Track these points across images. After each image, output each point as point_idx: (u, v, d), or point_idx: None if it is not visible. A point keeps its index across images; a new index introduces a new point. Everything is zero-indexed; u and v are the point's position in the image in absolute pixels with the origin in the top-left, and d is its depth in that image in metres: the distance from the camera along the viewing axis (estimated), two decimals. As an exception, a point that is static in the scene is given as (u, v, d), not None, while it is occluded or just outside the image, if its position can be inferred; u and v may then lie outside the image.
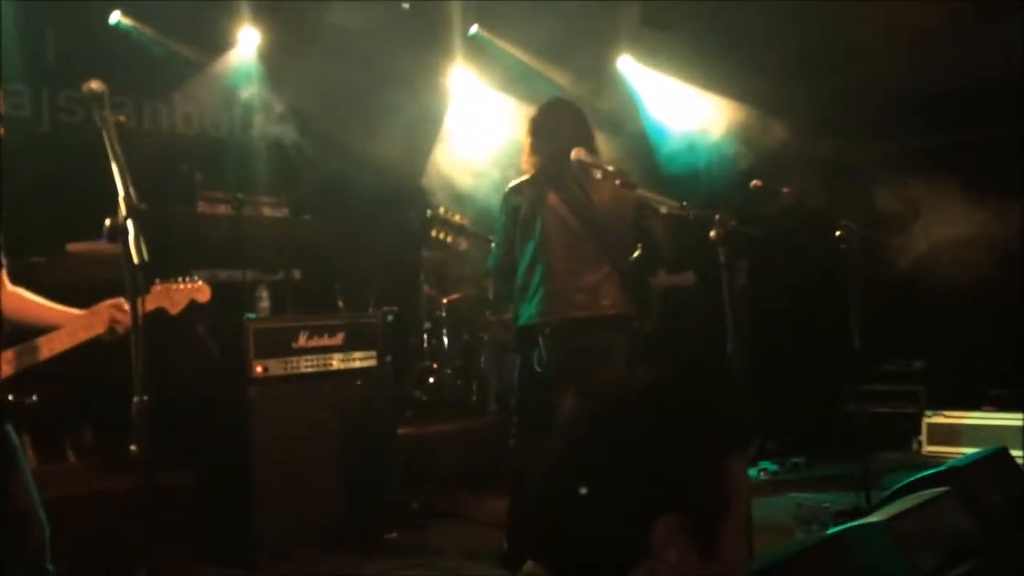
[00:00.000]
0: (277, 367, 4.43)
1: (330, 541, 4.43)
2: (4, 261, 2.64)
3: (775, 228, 4.26)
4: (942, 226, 4.97)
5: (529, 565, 1.22)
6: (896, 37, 5.44)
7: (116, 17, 5.55)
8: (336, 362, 4.67)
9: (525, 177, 3.90)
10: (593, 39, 6.71)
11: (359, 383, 4.73)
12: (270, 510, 4.28)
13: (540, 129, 3.88)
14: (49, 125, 5.56)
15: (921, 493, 2.64)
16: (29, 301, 2.66)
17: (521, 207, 3.81)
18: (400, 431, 5.17)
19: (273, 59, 6.18)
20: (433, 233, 4.17)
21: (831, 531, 2.45)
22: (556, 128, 3.83)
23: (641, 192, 3.64)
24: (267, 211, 5.45)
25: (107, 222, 2.14)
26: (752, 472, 5.68)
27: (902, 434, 6.14)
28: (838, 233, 3.80)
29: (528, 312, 3.80)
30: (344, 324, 4.73)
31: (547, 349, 3.72)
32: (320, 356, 4.60)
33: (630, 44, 6.89)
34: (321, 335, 4.61)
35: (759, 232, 3.19)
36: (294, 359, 4.50)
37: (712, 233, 3.17)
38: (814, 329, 5.84)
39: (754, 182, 3.82)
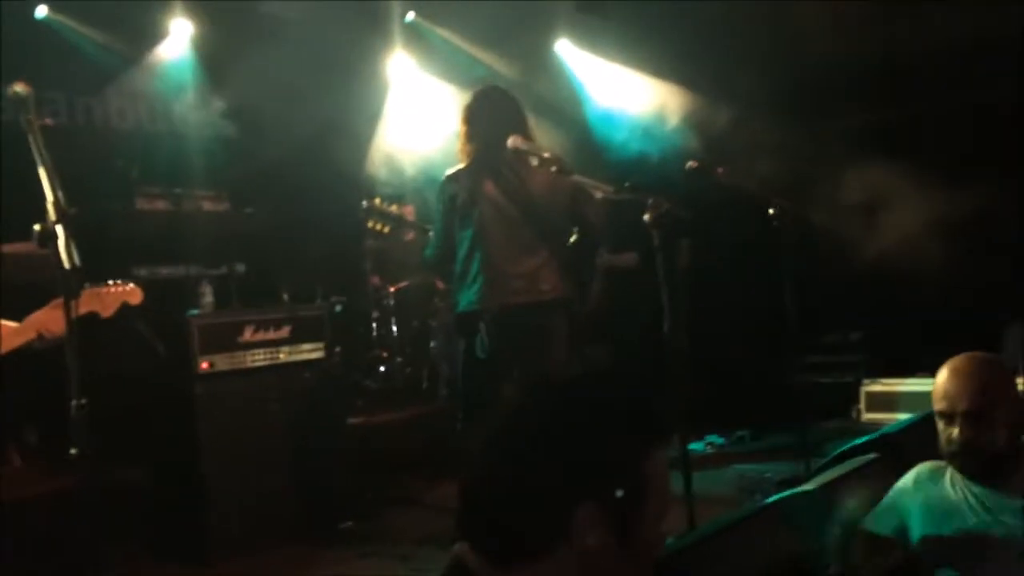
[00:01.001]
0: (223, 362, 4.41)
1: (285, 533, 4.44)
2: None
3: (712, 209, 4.35)
4: (881, 201, 5.12)
5: (458, 546, 1.26)
6: (837, 16, 5.56)
7: (43, 12, 5.42)
8: (284, 355, 4.66)
9: (461, 166, 3.92)
10: (530, 24, 6.73)
11: (307, 375, 4.73)
12: (222, 505, 4.28)
13: (474, 117, 3.89)
14: (-23, 124, 5.41)
15: (854, 460, 2.75)
16: None
17: (458, 195, 3.84)
18: (351, 420, 5.19)
19: (207, 50, 6.09)
20: (370, 224, 4.17)
21: (768, 500, 2.54)
22: (490, 116, 3.84)
23: (577, 178, 3.69)
24: (207, 205, 5.40)
25: (36, 227, 2.11)
26: (699, 446, 5.82)
27: (842, 403, 6.32)
28: (771, 211, 3.89)
29: (467, 299, 3.84)
30: (290, 317, 4.72)
31: (488, 335, 3.77)
32: (267, 349, 4.59)
33: (568, 29, 6.93)
34: (267, 328, 4.60)
35: (690, 214, 3.26)
36: (240, 353, 4.48)
37: (646, 216, 3.23)
38: (754, 305, 5.97)
39: (689, 163, 3.88)
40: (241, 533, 4.31)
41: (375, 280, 6.38)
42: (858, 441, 2.87)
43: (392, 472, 5.38)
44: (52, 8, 5.45)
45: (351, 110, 6.57)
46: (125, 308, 3.00)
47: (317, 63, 6.38)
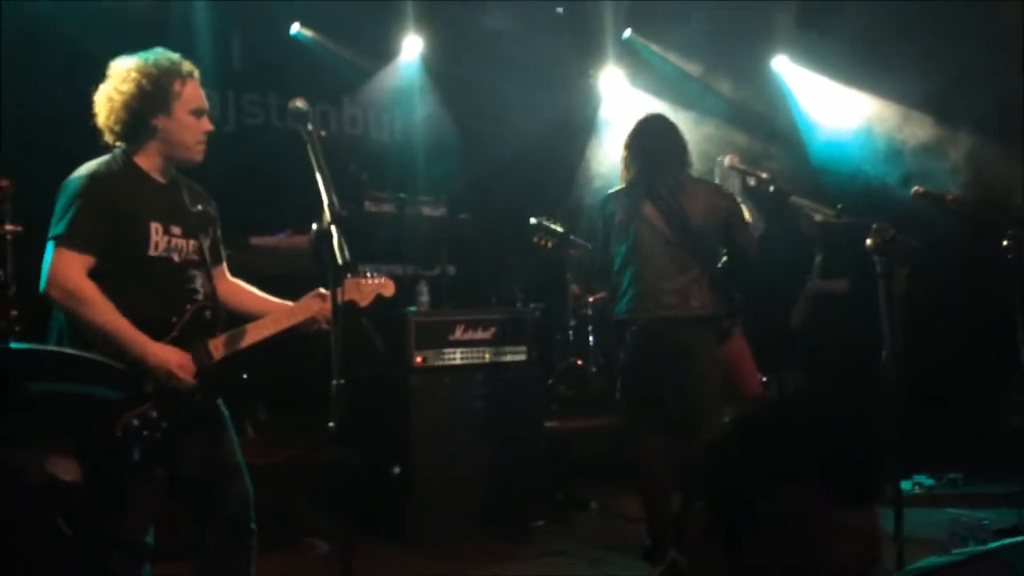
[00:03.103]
0: (435, 358, 4.70)
1: (479, 524, 4.66)
2: (223, 255, 2.98)
3: (936, 235, 4.15)
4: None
5: (671, 555, 1.39)
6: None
7: (296, 28, 5.99)
8: (488, 355, 4.89)
9: (621, 187, 4.15)
10: (747, 41, 6.66)
11: (509, 376, 4.94)
12: (425, 491, 4.55)
13: (634, 144, 4.14)
14: (234, 126, 6.07)
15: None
16: (244, 290, 2.99)
17: (616, 214, 4.09)
18: (546, 424, 5.34)
19: (434, 64, 6.49)
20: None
21: (990, 545, 2.42)
22: (649, 143, 4.10)
23: (794, 199, 3.67)
24: (426, 210, 5.74)
25: (313, 227, 2.39)
26: (906, 485, 5.52)
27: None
28: (1005, 242, 3.67)
29: (619, 309, 4.10)
30: (497, 319, 4.95)
31: (636, 345, 3.99)
32: (474, 349, 4.84)
33: (786, 45, 6.79)
34: (475, 329, 4.85)
35: (918, 243, 3.14)
36: (450, 351, 4.76)
37: (869, 242, 3.15)
38: (976, 340, 5.60)
39: (916, 188, 3.74)
40: (440, 519, 4.56)
41: (575, 289, 6.52)
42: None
43: (581, 477, 5.48)
44: (304, 25, 6.01)
45: (563, 123, 6.76)
46: (352, 307, 3.23)
47: (533, 76, 6.63)
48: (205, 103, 2.80)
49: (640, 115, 4.31)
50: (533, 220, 4.44)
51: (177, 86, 2.70)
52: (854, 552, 1.28)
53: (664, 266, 3.98)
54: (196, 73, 2.77)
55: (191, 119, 2.73)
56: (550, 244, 4.41)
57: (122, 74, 2.69)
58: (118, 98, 2.68)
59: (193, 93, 2.74)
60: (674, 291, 3.96)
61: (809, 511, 1.26)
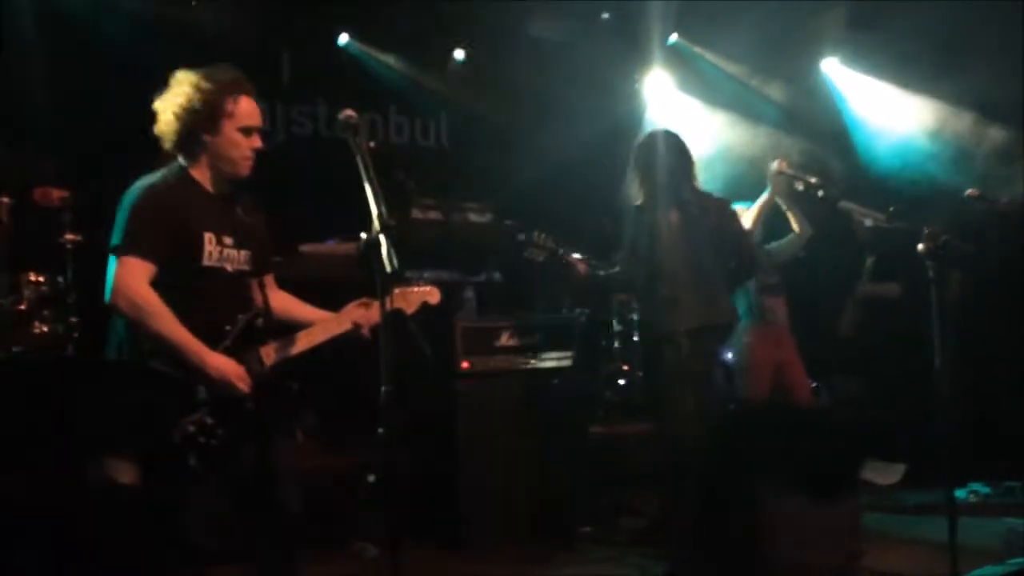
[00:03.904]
0: (481, 363, 4.74)
1: (527, 528, 4.68)
2: (271, 265, 3.05)
3: (989, 239, 4.07)
4: None
5: None
6: None
7: (344, 39, 6.09)
8: (534, 361, 4.91)
9: (642, 200, 4.23)
10: (796, 43, 6.58)
11: (555, 381, 4.95)
12: (473, 496, 4.58)
13: (638, 160, 4.26)
14: (283, 136, 6.17)
15: None
16: (292, 301, 3.06)
17: (643, 224, 4.17)
18: (592, 429, 5.33)
19: (479, 71, 6.53)
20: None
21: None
22: (653, 157, 4.19)
23: (845, 203, 3.63)
24: (473, 216, 5.77)
25: (362, 236, 2.44)
26: (961, 493, 5.41)
27: None
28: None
29: (650, 320, 4.24)
30: (542, 325, 4.97)
31: (672, 354, 4.01)
32: (520, 355, 4.87)
33: (835, 47, 6.70)
34: (521, 335, 4.88)
35: (971, 247, 3.09)
36: (496, 357, 4.79)
37: (921, 247, 3.10)
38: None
39: (969, 191, 3.67)
40: (488, 524, 4.59)
41: (621, 295, 6.50)
42: None
43: (626, 484, 5.46)
44: (351, 35, 6.10)
45: (609, 128, 6.75)
46: (399, 315, 3.27)
47: (579, 83, 6.63)
48: (257, 120, 2.84)
49: (648, 131, 4.46)
50: (522, 235, 4.48)
51: (229, 104, 2.75)
52: (826, 548, 1.29)
53: (692, 275, 4.05)
54: (252, 90, 2.82)
55: (239, 136, 2.78)
56: (541, 258, 4.42)
57: (178, 88, 2.77)
58: (172, 111, 2.75)
59: (245, 111, 2.79)
60: (701, 301, 4.03)
61: (776, 507, 1.29)
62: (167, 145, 2.80)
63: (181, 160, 2.81)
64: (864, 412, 6.08)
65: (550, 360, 4.98)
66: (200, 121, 2.73)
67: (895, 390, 6.09)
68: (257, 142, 2.83)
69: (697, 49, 6.78)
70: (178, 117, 2.74)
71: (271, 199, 3.13)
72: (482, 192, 6.08)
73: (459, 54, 6.47)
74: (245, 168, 2.82)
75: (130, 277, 2.61)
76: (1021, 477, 5.62)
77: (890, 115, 6.49)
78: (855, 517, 3.36)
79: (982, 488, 5.56)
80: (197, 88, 2.73)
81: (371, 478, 4.58)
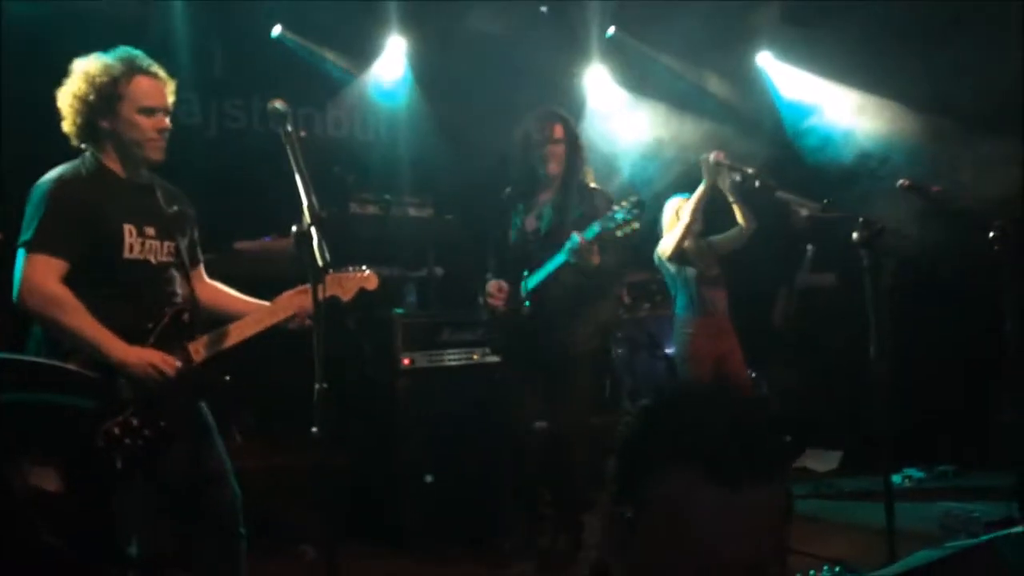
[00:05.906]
0: (423, 359, 4.67)
1: (469, 528, 4.62)
2: (201, 257, 2.94)
3: (923, 228, 4.16)
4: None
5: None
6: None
7: (278, 31, 5.95)
8: (476, 356, 4.86)
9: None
10: (732, 38, 6.65)
11: (497, 377, 4.90)
12: (414, 493, 4.52)
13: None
14: (216, 131, 6.01)
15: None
16: (222, 292, 2.95)
17: None
18: (537, 425, 5.30)
19: (418, 65, 6.45)
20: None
21: (982, 538, 2.41)
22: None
23: (781, 193, 3.65)
24: (412, 211, 5.70)
25: (293, 228, 2.36)
26: (896, 478, 5.53)
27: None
28: (992, 234, 3.67)
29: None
30: (485, 319, 4.91)
31: None
32: (462, 350, 4.81)
33: (770, 42, 6.79)
34: (463, 330, 4.82)
35: (906, 236, 3.14)
36: (438, 352, 4.73)
37: (855, 236, 3.14)
38: (966, 333, 5.62)
39: (901, 181, 3.74)
40: (429, 522, 4.53)
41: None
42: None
43: (571, 480, 5.43)
44: (286, 28, 5.96)
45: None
46: (335, 303, 3.20)
47: (518, 76, 6.60)
48: (158, 100, 2.69)
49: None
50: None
51: (122, 86, 2.62)
52: (747, 537, 1.28)
53: None
54: (153, 68, 2.69)
55: (140, 118, 2.65)
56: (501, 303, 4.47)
57: (73, 76, 2.65)
58: (68, 102, 2.65)
59: (142, 90, 2.66)
60: None
61: (692, 494, 1.28)
62: (74, 139, 2.67)
63: (93, 150, 2.69)
64: (801, 401, 6.18)
65: (493, 355, 4.93)
66: (95, 107, 2.62)
67: (832, 379, 6.21)
68: (163, 122, 2.69)
69: (635, 42, 6.80)
70: (73, 107, 2.62)
71: (205, 195, 3.03)
72: (422, 186, 6.01)
73: (399, 47, 6.37)
74: (154, 151, 2.69)
75: (38, 274, 2.50)
76: (954, 461, 5.77)
77: (822, 107, 6.60)
78: (783, 509, 3.39)
79: (916, 473, 5.69)
80: (87, 74, 2.62)
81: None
